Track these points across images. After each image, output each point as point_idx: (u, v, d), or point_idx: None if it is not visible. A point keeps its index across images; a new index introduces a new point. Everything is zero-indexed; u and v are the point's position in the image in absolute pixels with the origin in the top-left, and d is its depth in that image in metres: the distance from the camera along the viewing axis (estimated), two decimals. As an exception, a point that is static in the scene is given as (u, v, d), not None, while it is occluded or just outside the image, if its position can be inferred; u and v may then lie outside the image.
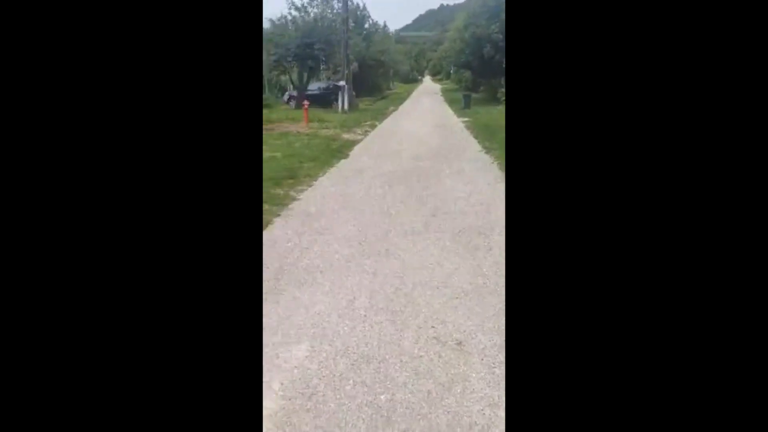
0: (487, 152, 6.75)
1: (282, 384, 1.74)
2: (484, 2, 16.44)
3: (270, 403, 1.64)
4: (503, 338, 1.99)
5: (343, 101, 13.90)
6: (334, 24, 16.13)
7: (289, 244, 3.21)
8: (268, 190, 4.50)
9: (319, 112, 12.11)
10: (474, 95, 17.20)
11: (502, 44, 14.58)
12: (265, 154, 6.54)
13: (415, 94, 26.95)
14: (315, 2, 16.85)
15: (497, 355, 1.91)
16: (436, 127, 10.37)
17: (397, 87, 33.28)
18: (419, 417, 1.58)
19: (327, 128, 9.79)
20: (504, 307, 2.19)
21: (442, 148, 7.22)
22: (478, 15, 16.54)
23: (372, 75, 22.19)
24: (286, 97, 16.68)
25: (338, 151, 7.01)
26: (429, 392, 1.69)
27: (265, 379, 1.76)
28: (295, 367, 1.85)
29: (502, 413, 1.57)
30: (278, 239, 3.31)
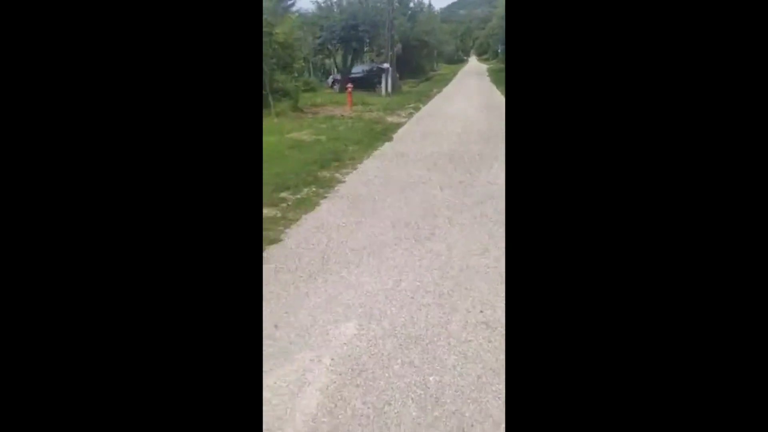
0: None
1: (332, 359, 1.79)
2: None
3: (322, 377, 1.69)
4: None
5: (387, 84, 13.78)
6: (378, 4, 15.93)
7: (337, 226, 3.26)
8: (315, 173, 4.59)
9: (363, 95, 12.08)
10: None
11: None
12: (311, 138, 6.67)
13: (460, 74, 26.19)
14: (360, -17, 16.70)
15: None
16: (483, 108, 10.08)
17: (442, 68, 32.40)
18: (470, 401, 1.57)
19: (371, 111, 9.78)
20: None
21: (490, 132, 7.02)
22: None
23: (416, 56, 21.77)
24: (330, 80, 16.77)
25: (382, 134, 7.00)
26: (479, 377, 1.68)
27: (316, 354, 1.82)
28: (345, 343, 1.89)
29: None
30: (325, 221, 3.37)
